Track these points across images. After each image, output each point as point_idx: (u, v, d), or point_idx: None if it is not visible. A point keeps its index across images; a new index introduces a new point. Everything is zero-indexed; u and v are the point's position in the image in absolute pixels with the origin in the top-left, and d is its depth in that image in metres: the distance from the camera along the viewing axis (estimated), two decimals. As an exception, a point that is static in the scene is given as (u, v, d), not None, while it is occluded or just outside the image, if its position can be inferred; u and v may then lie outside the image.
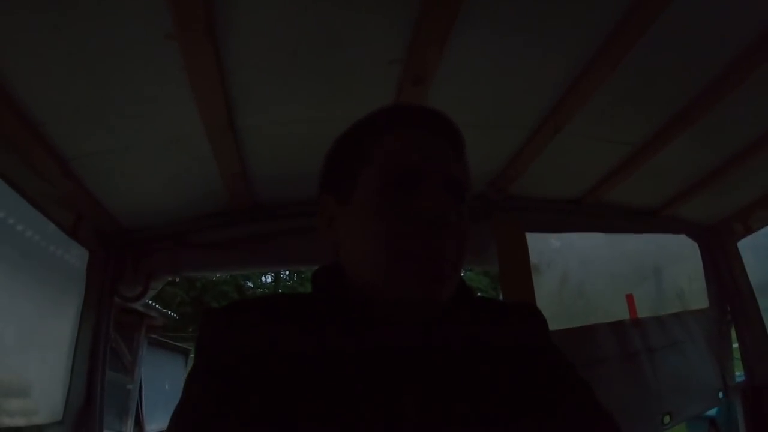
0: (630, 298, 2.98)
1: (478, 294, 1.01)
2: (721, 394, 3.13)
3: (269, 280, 37.28)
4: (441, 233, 0.85)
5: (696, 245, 3.24)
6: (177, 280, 3.06)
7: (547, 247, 2.86)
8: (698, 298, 3.22)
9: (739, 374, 3.27)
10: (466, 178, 0.94)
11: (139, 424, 10.11)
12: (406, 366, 0.82)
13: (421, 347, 0.84)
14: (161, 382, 11.85)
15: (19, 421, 1.91)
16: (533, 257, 2.63)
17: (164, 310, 10.39)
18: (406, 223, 0.85)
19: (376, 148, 0.90)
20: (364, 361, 0.81)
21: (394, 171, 0.87)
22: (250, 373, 0.79)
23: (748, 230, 3.10)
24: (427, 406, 0.80)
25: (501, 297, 2.53)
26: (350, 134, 0.98)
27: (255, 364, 0.80)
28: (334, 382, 0.79)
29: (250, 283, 35.62)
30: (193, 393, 0.83)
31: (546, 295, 2.62)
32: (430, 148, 0.90)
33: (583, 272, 3.00)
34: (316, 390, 0.78)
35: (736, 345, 3.27)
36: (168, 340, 13.33)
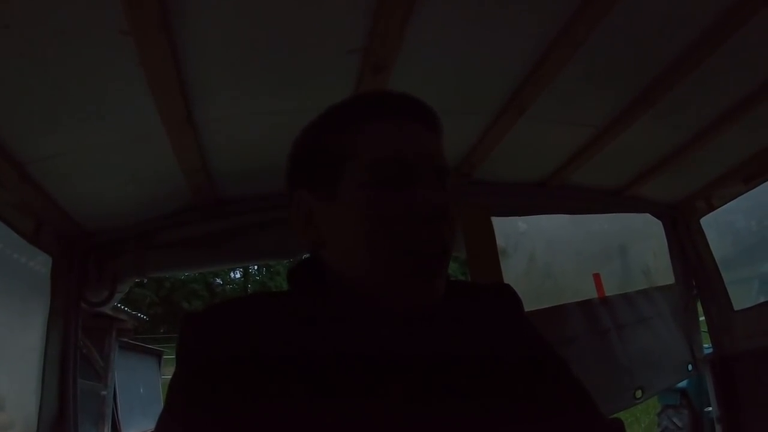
0: (597, 277, 3.02)
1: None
2: (690, 367, 3.20)
3: (238, 275, 37.16)
4: (440, 227, 0.84)
5: (660, 223, 3.30)
6: (144, 281, 3.00)
7: (513, 230, 2.89)
8: (664, 275, 3.28)
9: (707, 346, 3.35)
10: (448, 162, 0.92)
11: (116, 429, 9.97)
12: (392, 356, 0.81)
13: (405, 336, 0.83)
14: (135, 385, 11.70)
15: (-6, 437, 1.88)
16: (500, 241, 2.65)
17: (134, 313, 10.26)
18: (403, 218, 0.82)
19: (359, 140, 0.86)
20: (349, 354, 0.80)
21: (384, 163, 0.84)
22: (237, 375, 0.77)
23: (711, 207, 3.17)
24: (414, 393, 0.79)
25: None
26: (325, 124, 0.92)
27: (241, 366, 0.78)
28: (323, 378, 0.77)
29: (219, 280, 35.45)
30: (178, 400, 0.81)
31: (514, 278, 2.65)
32: (416, 136, 0.88)
33: (550, 253, 3.04)
34: (305, 387, 0.77)
35: (702, 318, 3.35)
36: (140, 343, 13.18)
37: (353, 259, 0.86)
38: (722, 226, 3.43)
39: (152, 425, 0.81)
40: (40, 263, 2.22)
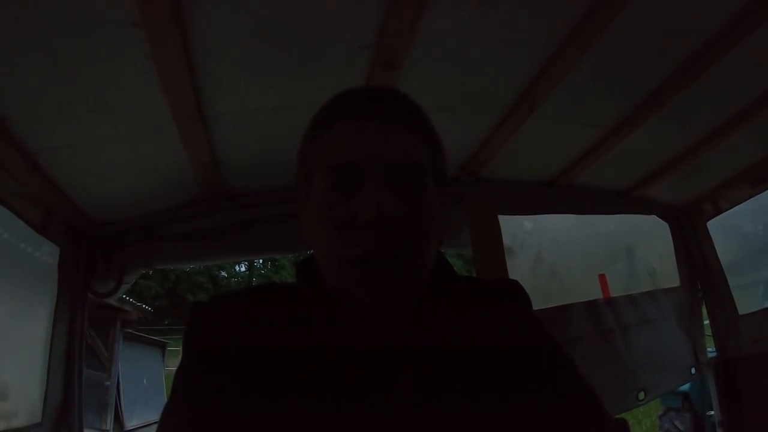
0: (603, 277, 3.02)
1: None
2: (693, 370, 3.20)
3: (243, 269, 37.28)
4: (382, 235, 0.79)
5: (667, 225, 3.29)
6: (150, 272, 3.01)
7: (520, 229, 2.88)
8: (669, 277, 3.27)
9: (711, 350, 3.34)
10: (422, 159, 0.86)
11: (119, 420, 10.03)
12: (396, 353, 0.81)
13: (408, 333, 0.83)
14: (139, 376, 11.77)
15: (-1, 426, 1.88)
16: (506, 239, 2.65)
17: (139, 304, 10.32)
18: (345, 228, 0.80)
19: (321, 145, 0.86)
20: (354, 350, 0.80)
21: (332, 169, 0.83)
22: (242, 365, 0.79)
23: (718, 210, 3.16)
24: (419, 391, 0.79)
25: (476, 280, 2.54)
26: (306, 132, 0.93)
27: (246, 356, 0.79)
28: (326, 371, 0.78)
29: (224, 273, 35.55)
30: (184, 388, 0.81)
31: (520, 277, 2.61)
32: (368, 136, 0.83)
33: (556, 253, 3.03)
34: (309, 380, 0.78)
35: (707, 322, 3.34)
36: (144, 334, 13.25)
37: (319, 264, 0.87)
38: (729, 230, 3.41)
39: (155, 416, 0.81)
40: (48, 253, 2.23)
